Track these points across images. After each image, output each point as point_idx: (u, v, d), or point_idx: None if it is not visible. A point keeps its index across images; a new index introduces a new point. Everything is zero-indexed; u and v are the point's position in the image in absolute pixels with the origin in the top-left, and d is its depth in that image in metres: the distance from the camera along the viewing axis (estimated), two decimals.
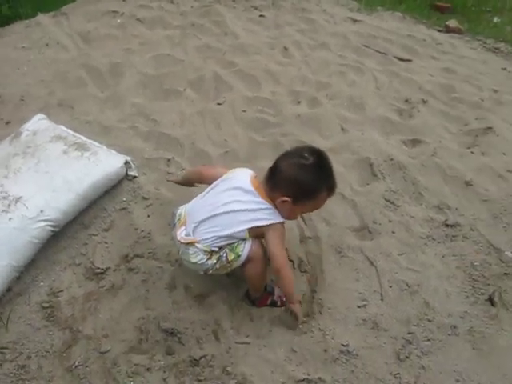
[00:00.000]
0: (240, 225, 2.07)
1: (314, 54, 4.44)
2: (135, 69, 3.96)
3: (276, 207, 2.09)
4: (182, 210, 2.23)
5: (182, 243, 2.13)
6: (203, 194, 2.24)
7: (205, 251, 2.09)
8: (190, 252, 2.11)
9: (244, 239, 2.10)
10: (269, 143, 3.25)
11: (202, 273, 2.19)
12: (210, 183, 2.26)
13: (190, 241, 2.10)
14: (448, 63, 4.57)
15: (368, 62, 4.40)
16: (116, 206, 2.73)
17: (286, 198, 2.04)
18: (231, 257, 2.09)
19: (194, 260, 2.11)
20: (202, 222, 2.11)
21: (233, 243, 2.09)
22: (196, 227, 2.12)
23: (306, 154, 2.06)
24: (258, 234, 2.11)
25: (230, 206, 2.08)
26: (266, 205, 2.08)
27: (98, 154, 2.74)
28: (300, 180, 2.04)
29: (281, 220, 2.10)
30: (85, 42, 4.39)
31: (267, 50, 4.44)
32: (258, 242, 2.13)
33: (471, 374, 2.10)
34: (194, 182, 2.51)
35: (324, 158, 2.10)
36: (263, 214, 2.08)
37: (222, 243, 2.09)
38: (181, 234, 2.14)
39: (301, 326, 2.23)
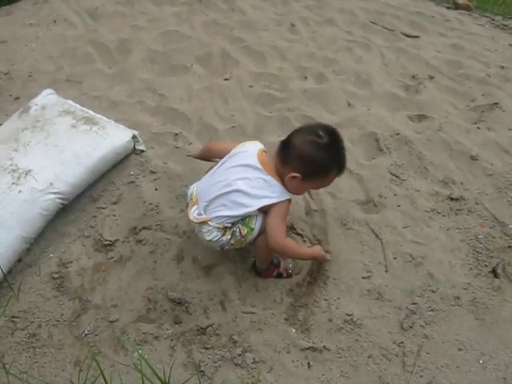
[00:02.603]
0: (249, 205, 2.07)
1: (321, 30, 4.42)
2: (143, 45, 3.96)
3: (283, 183, 2.10)
4: (193, 188, 2.24)
5: (195, 223, 2.15)
6: (213, 170, 2.24)
7: (218, 228, 2.10)
8: (204, 230, 2.12)
9: (255, 215, 2.11)
10: (275, 118, 3.26)
11: (218, 249, 2.21)
12: (220, 158, 2.26)
13: (202, 220, 2.11)
14: (456, 39, 4.55)
15: (375, 39, 4.38)
16: (124, 179, 2.76)
17: (295, 174, 2.04)
18: (245, 231, 2.10)
19: (208, 238, 2.12)
20: (211, 200, 2.12)
21: (245, 218, 2.11)
22: (207, 206, 2.13)
23: (320, 133, 2.04)
24: (266, 209, 2.12)
25: (238, 185, 2.08)
26: (274, 181, 2.08)
27: (106, 128, 2.76)
28: (313, 158, 2.03)
29: (287, 197, 2.11)
30: (92, 19, 4.39)
31: (274, 26, 4.43)
32: None
33: (474, 343, 2.14)
34: (207, 157, 2.51)
35: (338, 137, 2.09)
36: (271, 191, 2.08)
37: (234, 220, 2.10)
38: (193, 213, 2.15)
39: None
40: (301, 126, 2.20)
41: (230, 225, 2.11)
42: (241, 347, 2.09)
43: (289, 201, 2.12)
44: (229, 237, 2.12)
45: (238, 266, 2.39)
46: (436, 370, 2.05)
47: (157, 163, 2.83)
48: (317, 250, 2.29)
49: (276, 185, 2.09)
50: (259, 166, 2.10)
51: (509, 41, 4.75)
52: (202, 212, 2.14)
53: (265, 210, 2.11)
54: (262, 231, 2.13)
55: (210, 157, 2.46)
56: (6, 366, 2.01)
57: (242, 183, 2.09)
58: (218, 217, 2.09)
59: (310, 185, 2.17)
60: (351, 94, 3.54)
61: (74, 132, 2.69)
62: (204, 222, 2.11)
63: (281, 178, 2.09)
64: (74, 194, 2.58)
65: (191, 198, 2.21)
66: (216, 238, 2.11)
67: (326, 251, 2.36)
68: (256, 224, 2.11)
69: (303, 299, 2.27)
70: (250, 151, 2.18)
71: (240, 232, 2.11)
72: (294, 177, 2.04)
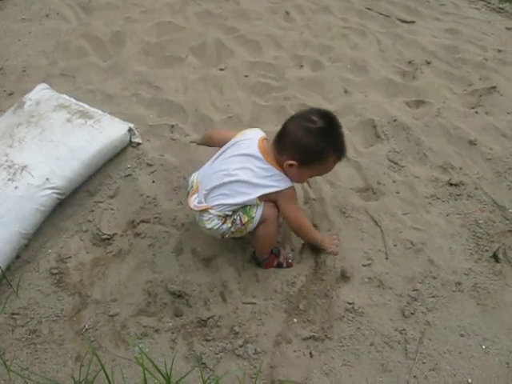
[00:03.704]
0: (249, 193, 2.07)
1: (316, 18, 4.39)
2: (137, 37, 3.93)
3: (284, 171, 2.08)
4: (194, 177, 2.23)
5: (196, 211, 2.14)
6: (213, 158, 2.23)
7: (219, 216, 2.10)
8: (205, 218, 2.12)
9: (256, 204, 2.10)
10: (272, 107, 3.24)
11: (219, 237, 2.20)
12: (221, 146, 2.25)
13: (202, 208, 2.10)
14: (451, 24, 4.52)
15: (371, 25, 4.36)
16: (121, 172, 2.75)
17: (292, 162, 2.02)
18: (245, 219, 2.10)
19: (209, 226, 2.12)
20: (212, 189, 2.11)
21: (245, 206, 2.10)
22: (207, 194, 2.12)
23: (314, 118, 2.01)
24: (268, 199, 2.11)
25: (238, 175, 2.07)
26: (275, 171, 2.07)
27: (102, 121, 2.74)
28: (305, 144, 2.00)
29: (290, 185, 2.10)
30: (85, 12, 4.35)
31: (269, 14, 4.40)
32: (270, 204, 2.13)
33: (476, 329, 2.13)
34: (209, 144, 2.50)
35: (333, 121, 2.06)
36: (272, 180, 2.07)
37: (234, 208, 2.10)
38: (194, 201, 2.15)
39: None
40: (296, 113, 2.18)
41: (230, 213, 2.11)
42: (242, 338, 2.08)
43: (292, 187, 2.12)
44: (229, 225, 2.12)
45: (237, 256, 2.38)
46: (438, 356, 2.04)
47: (153, 155, 2.82)
48: (326, 239, 2.33)
49: (277, 174, 2.07)
50: (259, 155, 2.09)
51: (505, 24, 4.72)
52: (203, 200, 2.13)
53: (266, 200, 2.11)
54: (263, 221, 2.12)
55: (212, 144, 2.45)
56: (7, 362, 2.01)
57: (242, 173, 2.08)
58: (218, 205, 2.09)
59: (310, 172, 2.13)
60: (348, 81, 3.53)
61: (69, 126, 2.66)
62: (204, 210, 2.11)
63: (281, 166, 2.08)
64: (71, 188, 2.56)
65: (192, 187, 2.21)
66: (217, 226, 2.11)
67: (337, 245, 2.38)
68: (257, 213, 2.10)
69: (304, 289, 2.25)
70: (251, 139, 2.17)
71: (240, 220, 2.10)
72: (290, 164, 2.03)
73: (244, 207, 2.10)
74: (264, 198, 2.10)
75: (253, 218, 2.10)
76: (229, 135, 2.27)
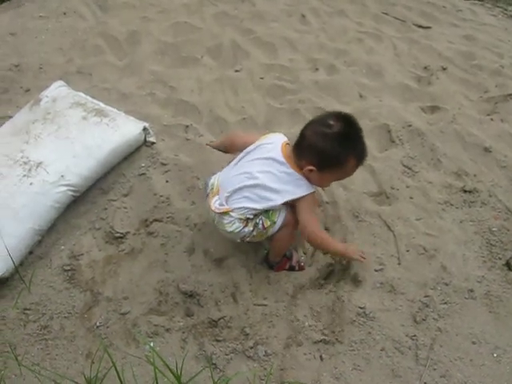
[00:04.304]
0: (273, 199, 2.06)
1: (331, 21, 4.38)
2: (153, 37, 3.94)
3: (305, 176, 2.06)
4: (215, 179, 2.22)
5: (216, 213, 2.12)
6: (235, 161, 2.21)
7: (240, 219, 2.08)
8: (225, 221, 2.11)
9: (278, 209, 2.10)
10: (286, 110, 3.24)
11: (238, 240, 2.19)
12: (241, 151, 2.23)
13: (224, 210, 2.09)
14: (468, 30, 4.49)
15: (387, 30, 4.34)
16: (135, 171, 2.75)
17: (311, 167, 2.01)
18: (267, 223, 2.09)
19: (230, 229, 2.11)
20: (234, 191, 2.10)
21: (268, 211, 2.09)
22: (229, 197, 2.11)
23: (331, 122, 1.98)
24: (291, 203, 2.11)
25: (260, 178, 2.07)
26: (297, 176, 2.06)
27: (117, 120, 2.75)
28: (321, 149, 1.98)
29: (312, 190, 2.08)
30: (102, 11, 4.37)
31: (284, 17, 4.40)
32: (290, 210, 2.13)
33: (487, 336, 2.12)
34: (227, 150, 2.48)
35: (351, 125, 2.03)
36: (295, 186, 2.06)
37: (256, 212, 2.09)
38: (214, 203, 2.13)
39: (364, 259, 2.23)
40: (315, 117, 2.15)
41: (252, 216, 2.10)
42: (253, 340, 2.09)
43: (313, 194, 2.10)
44: (251, 228, 2.11)
45: (249, 258, 2.38)
46: (449, 363, 2.03)
47: (167, 155, 2.82)
48: (351, 248, 2.23)
49: (300, 179, 2.06)
50: (283, 159, 2.08)
51: None
52: (224, 203, 2.12)
53: (288, 204, 2.10)
54: (284, 225, 2.12)
55: (232, 150, 2.41)
56: (19, 357, 2.02)
57: (265, 177, 2.07)
58: (240, 208, 2.08)
59: (331, 176, 2.11)
60: (363, 86, 3.52)
61: (84, 124, 2.68)
62: (225, 213, 2.09)
63: (302, 171, 2.06)
64: (85, 186, 2.58)
65: (212, 189, 2.20)
66: (238, 230, 2.10)
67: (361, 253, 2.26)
68: (279, 218, 2.10)
69: (315, 292, 2.25)
70: (274, 143, 2.15)
71: (263, 224, 2.10)
72: (310, 170, 2.02)
73: (267, 211, 2.09)
74: (286, 203, 2.09)
75: (275, 222, 2.10)
76: (251, 140, 2.25)
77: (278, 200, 2.05)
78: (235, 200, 2.09)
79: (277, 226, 2.11)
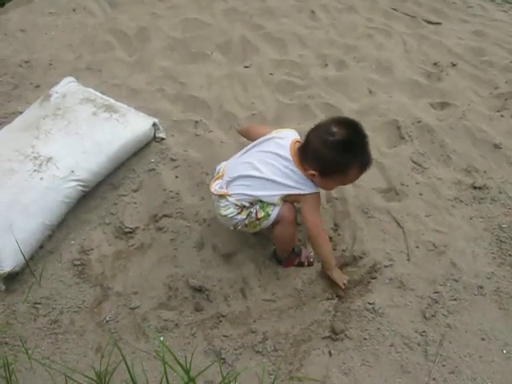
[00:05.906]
0: (271, 191, 2.08)
1: (341, 17, 4.36)
2: (162, 33, 3.94)
3: (309, 178, 2.07)
4: (222, 165, 2.26)
5: (215, 195, 2.15)
6: (245, 150, 2.24)
7: (236, 205, 2.10)
8: (222, 204, 2.13)
9: (275, 203, 2.10)
10: (296, 105, 3.23)
11: (231, 228, 2.20)
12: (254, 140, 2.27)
13: (222, 193, 2.12)
14: (478, 26, 4.45)
15: (396, 25, 4.32)
16: (144, 167, 2.77)
17: (313, 172, 2.02)
18: (261, 214, 2.10)
19: (224, 213, 2.13)
20: (236, 178, 2.12)
21: (264, 202, 2.10)
22: (230, 182, 2.14)
23: (334, 129, 1.97)
24: (290, 200, 2.12)
25: (265, 171, 2.08)
26: (300, 174, 2.07)
27: (127, 115, 2.76)
28: (323, 156, 1.98)
29: (314, 190, 2.09)
30: (111, 7, 4.37)
31: (294, 13, 4.38)
32: (288, 205, 2.13)
33: (497, 333, 2.11)
34: (246, 138, 2.51)
35: (355, 133, 2.01)
36: (296, 183, 2.07)
37: (253, 199, 2.10)
38: (215, 186, 2.16)
39: (343, 293, 2.23)
40: (320, 121, 2.13)
41: (248, 204, 2.11)
42: (261, 335, 2.09)
43: (317, 193, 2.11)
44: (244, 216, 2.12)
45: (258, 253, 2.38)
46: (459, 359, 2.03)
47: (177, 151, 2.84)
48: (339, 271, 2.25)
49: (303, 178, 2.07)
50: (289, 156, 2.08)
51: None
52: (224, 186, 2.15)
53: (287, 201, 2.11)
54: (278, 220, 2.13)
55: (249, 139, 2.43)
56: (29, 351, 2.03)
57: (269, 170, 2.08)
58: (238, 193, 2.10)
59: (334, 181, 2.12)
60: (372, 82, 3.51)
61: (94, 120, 2.69)
62: (223, 196, 2.12)
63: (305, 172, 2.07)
64: (95, 181, 2.59)
65: (217, 173, 2.23)
66: (231, 215, 2.12)
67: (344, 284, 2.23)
68: (273, 211, 2.10)
69: (325, 288, 2.25)
70: (285, 139, 2.16)
71: (256, 214, 2.10)
72: (312, 174, 2.03)
73: (262, 202, 2.10)
74: (285, 199, 2.10)
75: (269, 215, 2.10)
76: (264, 131, 2.28)
77: (278, 191, 2.07)
78: (235, 186, 2.12)
79: (270, 220, 2.11)
